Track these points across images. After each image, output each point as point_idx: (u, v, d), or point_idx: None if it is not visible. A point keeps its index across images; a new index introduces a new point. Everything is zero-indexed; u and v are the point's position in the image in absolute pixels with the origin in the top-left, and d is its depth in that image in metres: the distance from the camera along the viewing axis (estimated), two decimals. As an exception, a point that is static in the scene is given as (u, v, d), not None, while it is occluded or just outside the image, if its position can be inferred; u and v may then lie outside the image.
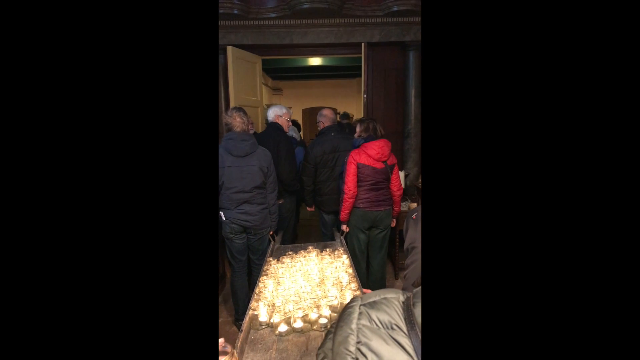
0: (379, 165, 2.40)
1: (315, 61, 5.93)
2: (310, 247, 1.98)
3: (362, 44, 3.26)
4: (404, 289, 0.71)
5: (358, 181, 2.38)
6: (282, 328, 1.30)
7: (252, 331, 1.33)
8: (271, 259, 1.88)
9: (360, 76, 3.76)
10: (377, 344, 0.48)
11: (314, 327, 1.32)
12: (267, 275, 1.68)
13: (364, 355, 0.47)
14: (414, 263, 1.36)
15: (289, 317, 1.32)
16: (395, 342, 0.48)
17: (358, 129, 2.47)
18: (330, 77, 8.17)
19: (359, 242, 2.53)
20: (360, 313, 0.53)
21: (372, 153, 2.36)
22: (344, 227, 2.50)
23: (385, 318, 0.51)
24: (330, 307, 1.38)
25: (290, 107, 3.31)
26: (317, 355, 0.56)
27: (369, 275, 2.66)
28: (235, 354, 0.92)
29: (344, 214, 2.45)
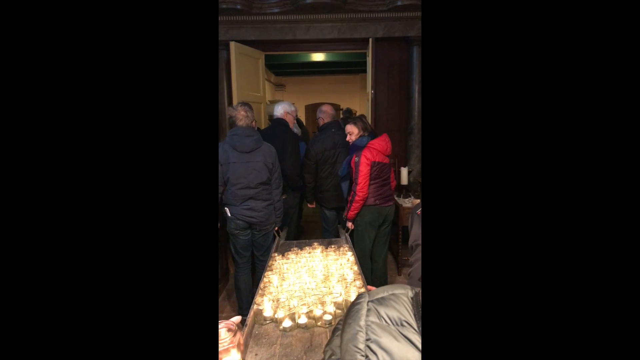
0: (387, 160, 2.42)
1: (318, 57, 5.90)
2: (315, 244, 1.98)
3: (370, 39, 3.23)
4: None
5: (370, 179, 2.36)
6: (287, 323, 1.30)
7: (256, 326, 1.34)
8: (276, 254, 1.88)
9: (364, 72, 3.74)
10: (387, 340, 0.47)
11: (319, 323, 1.33)
12: (272, 270, 1.68)
13: (374, 353, 0.47)
14: (419, 261, 1.36)
15: (294, 313, 1.33)
16: (406, 339, 0.47)
17: (355, 129, 2.42)
18: (333, 73, 8.14)
19: (370, 240, 2.51)
20: (368, 310, 0.53)
21: (381, 149, 2.36)
22: (350, 225, 2.49)
23: (394, 314, 0.51)
24: (335, 303, 1.38)
25: (293, 103, 3.30)
26: (325, 352, 0.55)
27: (373, 271, 2.66)
28: (240, 334, 0.92)
29: (352, 214, 2.42)
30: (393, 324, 0.50)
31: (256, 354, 1.18)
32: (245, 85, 3.30)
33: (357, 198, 2.35)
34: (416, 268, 1.38)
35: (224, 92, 3.32)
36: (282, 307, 1.35)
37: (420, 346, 0.47)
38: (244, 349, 1.16)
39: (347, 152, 2.55)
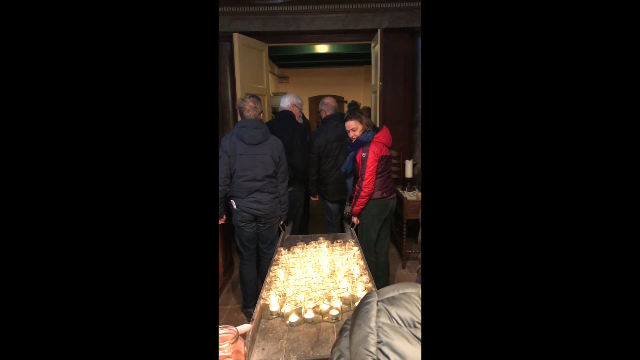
0: (389, 152, 2.41)
1: (322, 48, 5.84)
2: (321, 238, 1.98)
3: (379, 30, 3.18)
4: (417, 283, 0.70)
5: (377, 172, 2.34)
6: (293, 318, 1.31)
7: (262, 320, 1.34)
8: (282, 249, 1.88)
9: (369, 64, 3.70)
10: (400, 343, 0.46)
11: (325, 318, 1.33)
12: (278, 265, 1.68)
13: (386, 356, 0.46)
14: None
15: (300, 308, 1.33)
16: (419, 341, 0.46)
17: (360, 125, 2.32)
18: (337, 65, 8.06)
19: (376, 232, 2.50)
20: (378, 310, 0.51)
21: (385, 141, 2.36)
22: (355, 220, 2.48)
23: (406, 315, 0.50)
24: (342, 298, 1.38)
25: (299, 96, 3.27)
26: (332, 353, 0.54)
27: (377, 265, 2.66)
28: (241, 339, 0.92)
29: (357, 209, 2.41)
30: (405, 325, 0.49)
31: (263, 349, 1.19)
32: (249, 77, 3.28)
33: (362, 194, 2.33)
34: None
35: (227, 84, 3.30)
36: (288, 302, 1.35)
37: None
38: (251, 345, 1.16)
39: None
